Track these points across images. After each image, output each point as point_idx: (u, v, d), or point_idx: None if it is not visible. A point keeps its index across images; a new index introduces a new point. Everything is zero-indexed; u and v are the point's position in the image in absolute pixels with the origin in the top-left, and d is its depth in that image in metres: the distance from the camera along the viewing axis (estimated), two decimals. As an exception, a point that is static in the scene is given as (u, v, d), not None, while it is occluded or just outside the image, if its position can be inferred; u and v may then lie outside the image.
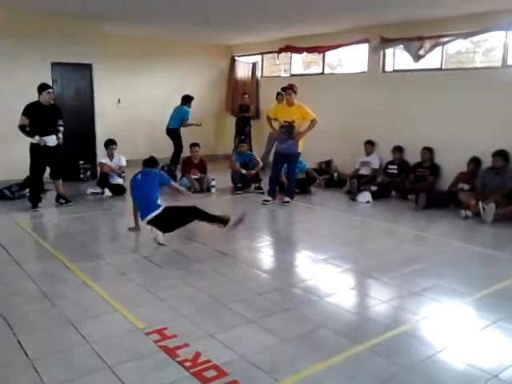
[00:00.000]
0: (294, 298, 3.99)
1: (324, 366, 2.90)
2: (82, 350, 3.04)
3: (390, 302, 3.90)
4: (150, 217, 5.28)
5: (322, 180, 8.88)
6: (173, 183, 6.16)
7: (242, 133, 10.87)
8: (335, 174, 9.19)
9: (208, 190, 8.28)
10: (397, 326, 3.46)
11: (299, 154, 7.49)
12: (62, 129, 6.78)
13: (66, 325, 3.36)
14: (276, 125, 7.53)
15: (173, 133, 10.06)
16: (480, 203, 6.57)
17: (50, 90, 6.73)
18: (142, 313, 3.56)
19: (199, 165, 8.49)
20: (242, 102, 11.50)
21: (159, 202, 5.41)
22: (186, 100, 10.13)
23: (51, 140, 6.66)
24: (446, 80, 8.02)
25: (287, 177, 7.68)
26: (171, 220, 5.30)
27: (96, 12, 8.00)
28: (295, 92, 7.27)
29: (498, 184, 6.90)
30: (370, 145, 8.86)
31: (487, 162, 7.22)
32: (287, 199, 7.51)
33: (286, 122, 7.28)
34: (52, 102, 6.80)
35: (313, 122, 7.25)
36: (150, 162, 5.76)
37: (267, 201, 7.48)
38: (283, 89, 7.84)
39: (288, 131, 7.28)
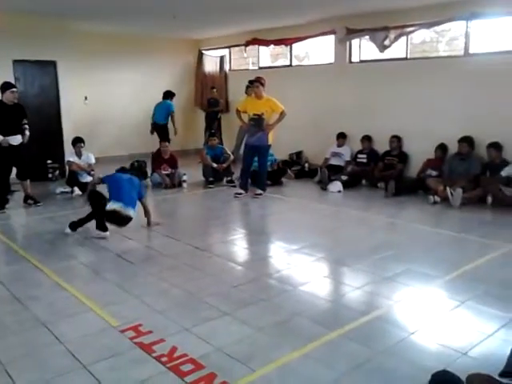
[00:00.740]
0: (268, 288, 4.02)
1: (300, 353, 2.93)
2: (56, 350, 2.99)
3: (363, 288, 3.96)
4: (130, 212, 5.33)
5: (292, 172, 8.94)
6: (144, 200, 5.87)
7: (212, 127, 10.85)
8: (306, 165, 9.27)
9: (179, 185, 8.23)
10: (370, 311, 3.52)
11: (269, 146, 7.51)
12: (27, 126, 6.63)
13: (38, 326, 3.30)
14: (245, 118, 7.53)
15: (161, 128, 10.15)
16: (448, 188, 6.73)
17: (14, 89, 6.56)
18: (116, 310, 3.52)
19: (170, 160, 8.43)
20: (210, 96, 11.47)
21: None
22: (168, 95, 10.34)
23: (15, 140, 6.49)
24: (411, 69, 8.16)
25: (258, 169, 7.67)
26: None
27: (59, 9, 7.82)
28: (263, 84, 7.28)
29: (464, 169, 7.08)
30: (342, 138, 8.92)
31: (453, 148, 7.39)
32: (259, 191, 7.53)
33: (255, 114, 7.29)
34: (16, 101, 6.63)
35: (282, 114, 7.28)
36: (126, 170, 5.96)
37: (239, 194, 7.49)
38: (251, 82, 7.85)
39: (257, 124, 7.30)
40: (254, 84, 7.41)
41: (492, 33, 7.43)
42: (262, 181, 7.64)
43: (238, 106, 7.82)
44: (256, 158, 7.57)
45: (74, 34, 9.17)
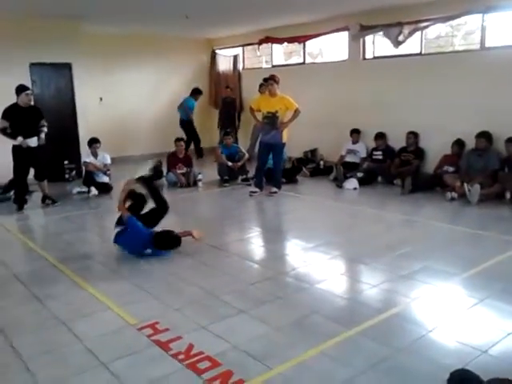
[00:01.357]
0: (285, 286, 4.01)
1: (316, 351, 2.92)
2: (75, 348, 3.03)
3: (380, 286, 3.94)
4: None
5: (307, 169, 8.95)
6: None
7: (229, 127, 10.82)
8: (321, 163, 9.23)
9: (195, 183, 8.26)
10: (388, 309, 3.50)
11: (284, 144, 7.49)
12: (45, 129, 6.68)
13: (57, 325, 3.35)
14: (259, 116, 7.53)
15: (185, 124, 10.71)
16: (465, 185, 6.64)
17: (28, 92, 6.63)
18: (133, 309, 3.55)
19: (184, 159, 8.47)
20: (225, 96, 11.41)
21: None
22: (193, 92, 10.90)
23: (33, 141, 6.57)
24: (426, 64, 8.06)
25: (273, 167, 7.66)
26: None
27: (73, 11, 7.89)
28: (277, 82, 7.26)
29: (482, 165, 6.98)
30: (356, 133, 8.86)
31: (471, 143, 7.29)
32: (274, 189, 7.52)
33: (269, 112, 7.28)
34: (31, 104, 6.71)
35: (296, 112, 7.26)
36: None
37: (254, 192, 7.48)
38: (265, 79, 7.83)
39: (271, 122, 7.29)
40: (269, 82, 7.39)
41: (508, 25, 7.31)
42: (277, 179, 7.63)
43: (251, 104, 7.82)
44: (271, 156, 7.57)
45: (88, 35, 9.26)
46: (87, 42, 9.20)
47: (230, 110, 11.28)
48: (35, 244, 5.35)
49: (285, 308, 3.56)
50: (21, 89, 6.59)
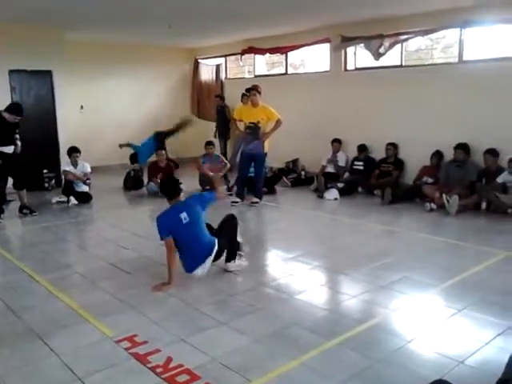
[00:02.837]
0: (265, 297, 4.00)
1: (297, 363, 2.92)
2: (51, 362, 2.97)
3: (359, 297, 3.95)
4: (208, 262, 4.32)
5: (288, 180, 8.99)
6: (218, 194, 4.99)
7: (223, 135, 10.83)
8: (302, 173, 9.28)
9: (176, 193, 8.20)
10: (367, 320, 3.51)
11: (265, 154, 7.51)
12: (17, 136, 6.64)
13: (33, 338, 3.28)
14: (241, 126, 7.54)
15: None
16: (444, 196, 6.73)
17: (18, 118, 6.52)
18: (111, 321, 3.50)
19: (166, 169, 8.43)
20: (217, 105, 11.30)
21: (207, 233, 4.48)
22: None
23: (10, 150, 6.51)
24: (406, 76, 8.19)
25: (255, 177, 7.66)
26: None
27: (55, 18, 7.84)
28: (259, 92, 7.31)
29: (460, 176, 7.09)
30: (337, 143, 8.94)
31: (449, 155, 7.41)
32: (256, 200, 7.52)
33: (251, 123, 7.31)
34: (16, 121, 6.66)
35: (278, 123, 7.30)
36: (172, 189, 4.66)
37: (236, 202, 7.47)
38: (247, 90, 7.87)
39: (253, 132, 7.31)
40: (251, 92, 7.42)
41: (485, 40, 7.48)
42: (258, 189, 7.63)
43: (233, 114, 7.84)
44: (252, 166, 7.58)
45: (69, 43, 9.20)
46: (68, 50, 9.14)
47: (221, 119, 11.18)
48: (11, 255, 5.24)
49: (265, 319, 3.54)
50: (15, 112, 6.48)
